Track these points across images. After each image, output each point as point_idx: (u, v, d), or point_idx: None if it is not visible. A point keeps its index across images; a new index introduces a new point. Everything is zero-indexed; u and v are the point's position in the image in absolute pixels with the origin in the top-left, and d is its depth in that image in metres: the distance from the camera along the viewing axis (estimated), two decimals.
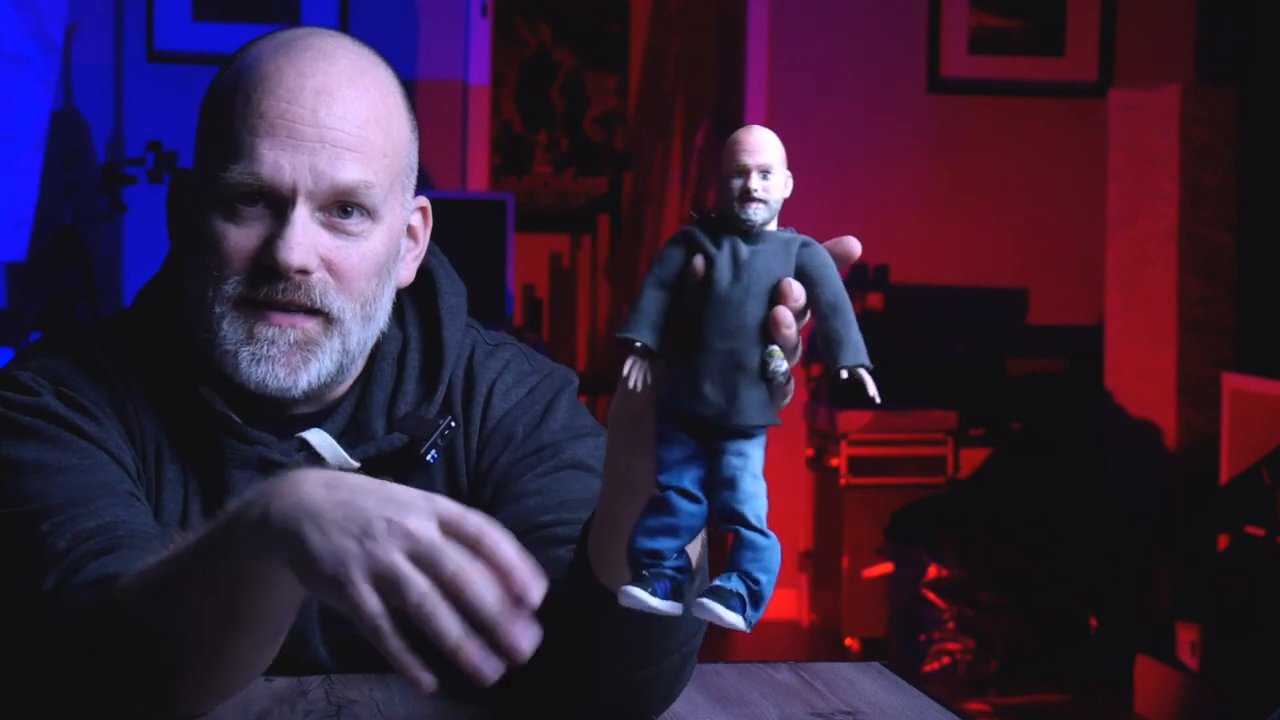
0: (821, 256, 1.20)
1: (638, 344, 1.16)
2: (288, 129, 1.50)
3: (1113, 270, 5.32)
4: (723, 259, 1.17)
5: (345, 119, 1.52)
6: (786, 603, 5.91)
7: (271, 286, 1.51)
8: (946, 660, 5.08)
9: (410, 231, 1.63)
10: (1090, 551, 5.18)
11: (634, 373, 1.16)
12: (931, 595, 5.12)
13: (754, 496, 1.16)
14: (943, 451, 5.51)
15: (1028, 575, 5.15)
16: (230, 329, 1.52)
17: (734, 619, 1.15)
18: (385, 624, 1.16)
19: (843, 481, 5.49)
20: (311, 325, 1.53)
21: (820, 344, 1.20)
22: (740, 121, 5.96)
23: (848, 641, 5.46)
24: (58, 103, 4.88)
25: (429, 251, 1.66)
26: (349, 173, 1.51)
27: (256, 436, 1.57)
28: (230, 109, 1.52)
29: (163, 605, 1.33)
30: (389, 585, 1.16)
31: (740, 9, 5.97)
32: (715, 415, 1.16)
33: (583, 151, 7.71)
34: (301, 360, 1.53)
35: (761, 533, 1.16)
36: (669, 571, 1.16)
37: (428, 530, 1.17)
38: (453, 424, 1.61)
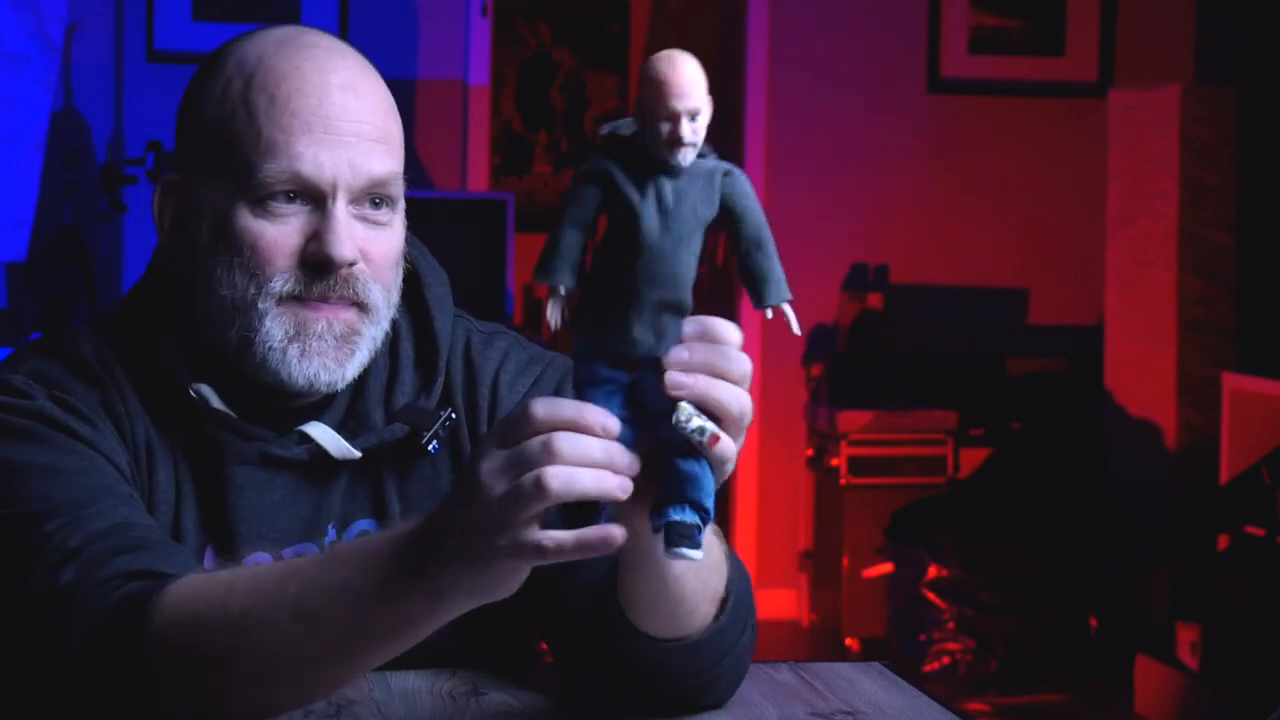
0: (743, 186, 1.17)
1: (557, 287, 1.17)
2: (323, 125, 1.52)
3: (1113, 270, 5.32)
4: (649, 207, 1.15)
5: (372, 112, 1.55)
6: (786, 603, 5.91)
7: (323, 282, 1.53)
8: (946, 660, 5.08)
9: None
10: (1090, 551, 5.18)
11: (553, 313, 1.17)
12: (931, 595, 5.12)
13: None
14: (943, 451, 5.51)
15: (1028, 575, 5.15)
16: (275, 325, 1.53)
17: (700, 555, 1.18)
18: (557, 538, 1.17)
19: (843, 481, 5.49)
20: (352, 315, 1.55)
21: (743, 279, 1.18)
22: (740, 121, 5.96)
23: (848, 641, 5.46)
24: (58, 103, 4.88)
25: (409, 242, 1.66)
26: (382, 165, 1.55)
27: (255, 432, 1.56)
28: (251, 107, 1.53)
29: (262, 641, 1.30)
30: (517, 501, 1.17)
31: (740, 9, 5.97)
32: (645, 351, 1.17)
33: (583, 151, 7.71)
34: (348, 353, 1.55)
35: (701, 459, 1.18)
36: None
37: (494, 460, 1.18)
38: (453, 415, 1.61)
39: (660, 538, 1.18)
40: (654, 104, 1.12)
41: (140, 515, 1.48)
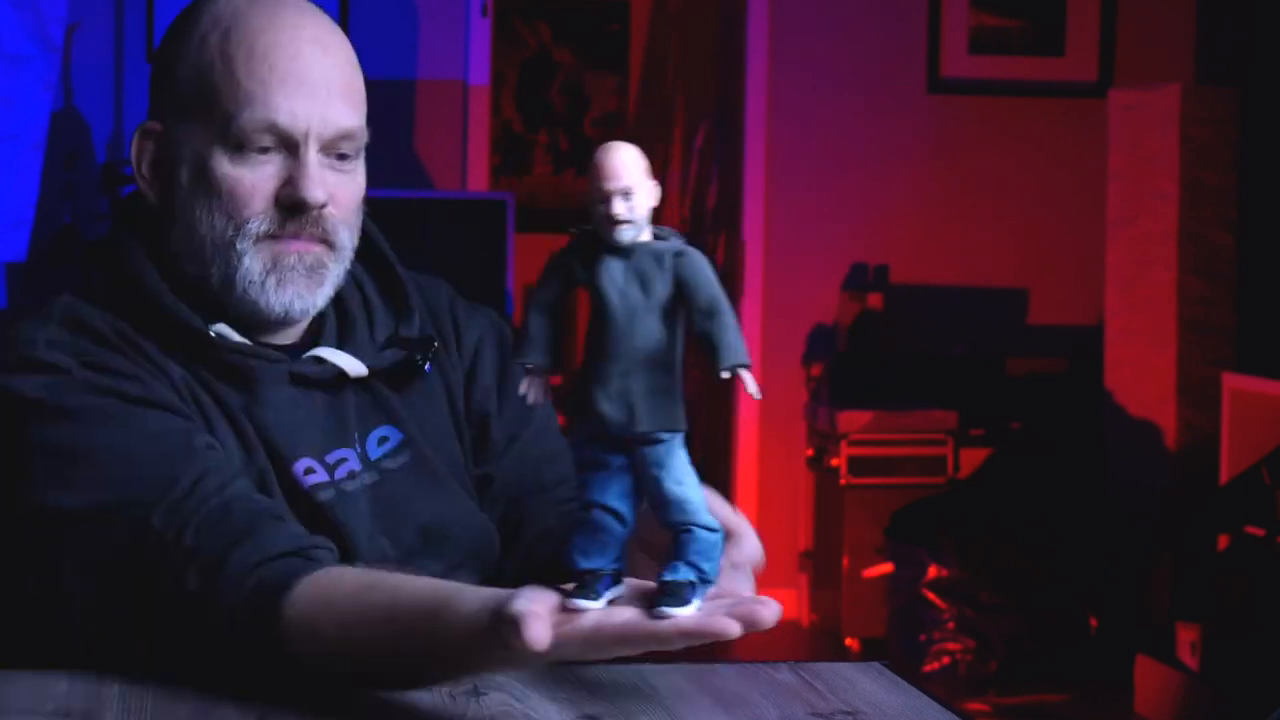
0: (695, 264, 1.24)
1: (528, 365, 1.25)
2: (297, 79, 1.65)
3: (1113, 270, 5.32)
4: (603, 285, 1.23)
5: (339, 68, 1.68)
6: (786, 603, 5.91)
7: (295, 222, 1.66)
8: (946, 660, 5.08)
9: None
10: (1090, 551, 5.18)
11: (531, 390, 1.27)
12: (931, 595, 5.12)
13: (682, 500, 1.24)
14: (943, 451, 5.52)
15: (1028, 575, 5.15)
16: (253, 262, 1.66)
17: (689, 611, 1.24)
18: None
19: (843, 481, 5.49)
20: (320, 249, 1.68)
21: (699, 348, 1.24)
22: (740, 121, 5.96)
23: (848, 641, 5.46)
24: (58, 103, 4.88)
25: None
26: (349, 118, 1.68)
27: (274, 355, 1.69)
28: (229, 60, 1.65)
29: (362, 662, 1.44)
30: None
31: (740, 9, 5.97)
32: (618, 429, 1.23)
33: (583, 152, 7.71)
34: (316, 282, 1.68)
35: (706, 528, 1.25)
36: (609, 570, 1.26)
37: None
38: (435, 342, 1.77)
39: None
40: (592, 188, 1.23)
41: (219, 466, 1.57)
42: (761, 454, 5.91)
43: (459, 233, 5.09)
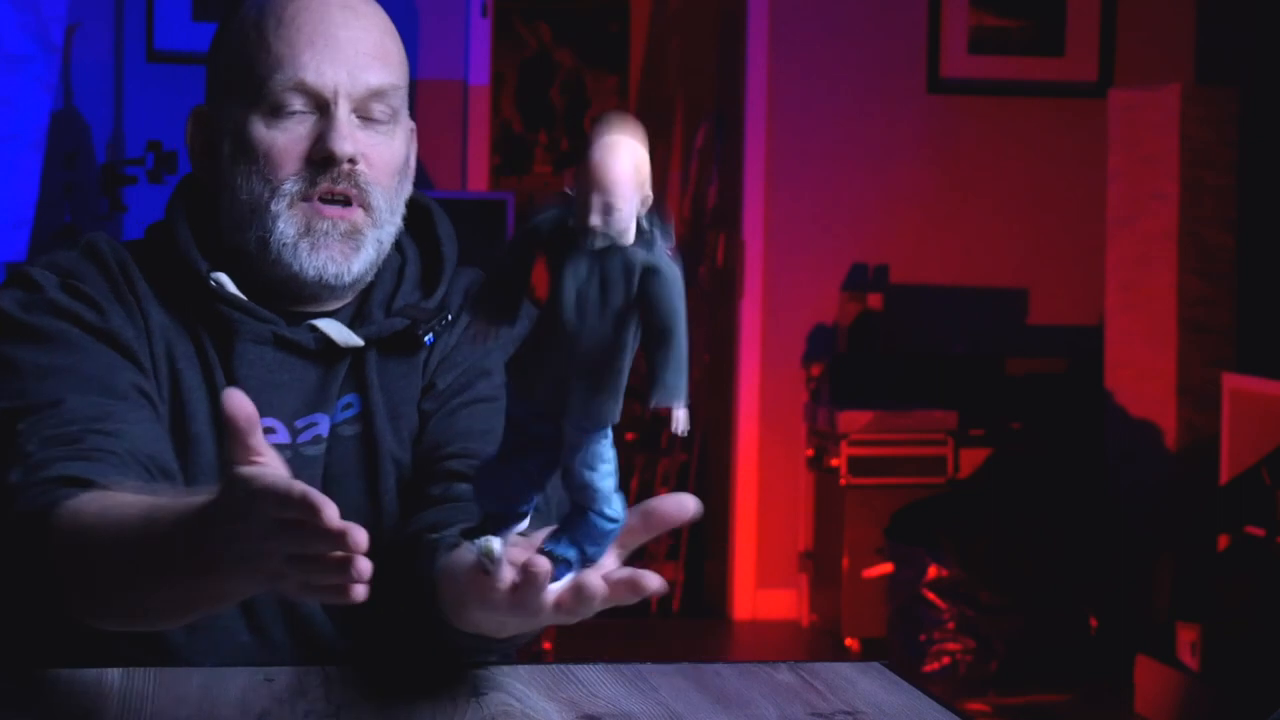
0: (662, 285, 1.20)
1: (476, 316, 1.25)
2: (324, 39, 1.69)
3: (1113, 270, 5.32)
4: (567, 283, 1.21)
5: (369, 30, 1.72)
6: (786, 603, 5.91)
7: (326, 175, 1.69)
8: (946, 660, 5.09)
9: None
10: (1090, 551, 5.18)
11: (475, 336, 1.25)
12: (931, 595, 5.12)
13: (586, 485, 1.21)
14: (943, 451, 5.52)
15: (1028, 575, 5.15)
16: (288, 225, 1.69)
17: (558, 587, 1.23)
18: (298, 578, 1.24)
19: (843, 481, 5.49)
20: (357, 216, 1.71)
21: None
22: (740, 121, 5.96)
23: (848, 641, 5.46)
24: (58, 103, 4.88)
25: (428, 201, 1.85)
26: (379, 76, 1.71)
27: (268, 315, 1.72)
28: (262, 30, 1.71)
29: (108, 569, 1.44)
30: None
31: (740, 9, 5.97)
32: (547, 408, 1.21)
33: (583, 151, 7.71)
34: (353, 248, 1.71)
35: (604, 517, 1.23)
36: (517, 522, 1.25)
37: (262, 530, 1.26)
38: (449, 317, 1.78)
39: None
40: (579, 180, 1.19)
41: (122, 412, 1.63)
42: (761, 454, 5.92)
43: (459, 233, 5.09)
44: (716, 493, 6.06)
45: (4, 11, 4.07)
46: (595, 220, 1.18)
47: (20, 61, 4.11)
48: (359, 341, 1.74)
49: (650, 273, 1.20)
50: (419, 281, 1.81)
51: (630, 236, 1.20)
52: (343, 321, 1.76)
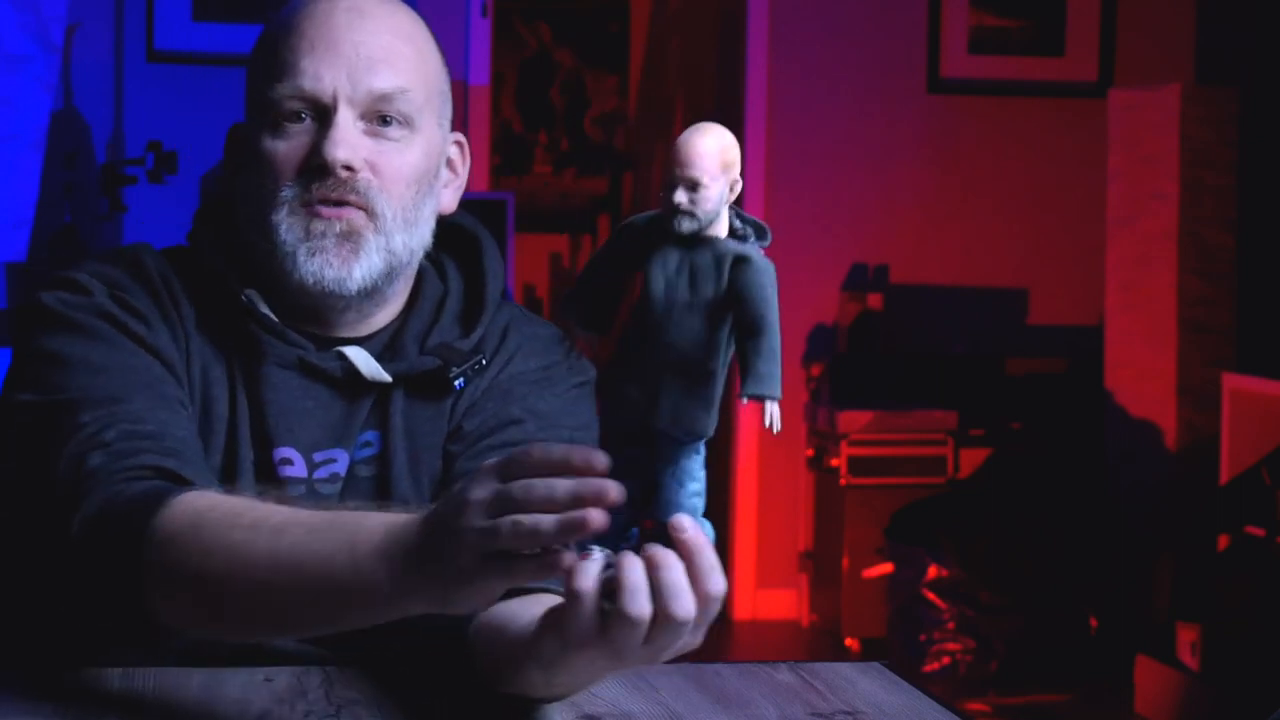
0: (755, 275, 1.19)
1: (569, 322, 1.23)
2: (325, 42, 1.64)
3: (1113, 270, 5.32)
4: (656, 274, 1.19)
5: (376, 33, 1.65)
6: (786, 603, 5.91)
7: (322, 183, 1.63)
8: (946, 660, 5.08)
9: (449, 164, 1.75)
10: (1090, 551, 5.18)
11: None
12: (931, 595, 5.12)
13: (670, 503, 1.20)
14: (943, 451, 5.51)
15: (1028, 575, 5.15)
16: (288, 232, 1.64)
17: None
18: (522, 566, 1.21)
19: (843, 481, 5.49)
20: (357, 217, 1.64)
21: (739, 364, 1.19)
22: (740, 122, 5.96)
23: (848, 641, 5.46)
24: (58, 103, 4.88)
25: (473, 223, 1.79)
26: (384, 80, 1.64)
27: (295, 339, 1.67)
28: (274, 41, 1.67)
29: (241, 593, 1.38)
30: (492, 537, 1.20)
31: (740, 9, 5.97)
32: (640, 420, 1.20)
33: (583, 151, 7.71)
34: (351, 251, 1.64)
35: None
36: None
37: (485, 490, 1.21)
38: (483, 361, 1.69)
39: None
40: (668, 170, 1.18)
41: (179, 422, 1.59)
42: (761, 454, 5.91)
43: None
44: (716, 493, 6.05)
45: (4, 11, 4.07)
46: (681, 197, 1.17)
47: (20, 61, 4.11)
48: (386, 377, 1.67)
49: (741, 262, 1.19)
50: (459, 316, 1.73)
51: (720, 225, 1.18)
52: (374, 351, 1.69)
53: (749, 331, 1.18)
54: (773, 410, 1.16)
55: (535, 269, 7.52)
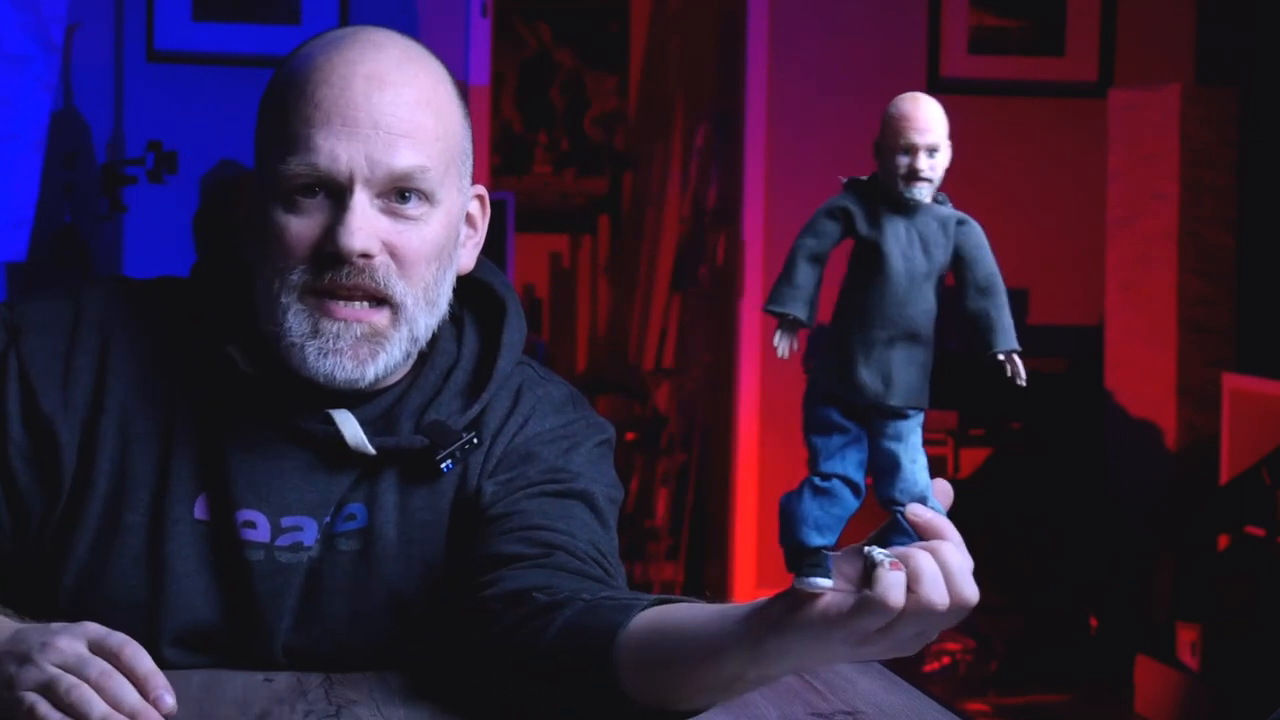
0: (975, 236, 1.19)
1: (790, 316, 1.19)
2: (341, 117, 1.52)
3: (1113, 270, 5.32)
4: (888, 243, 1.16)
5: (396, 104, 1.54)
6: None
7: (335, 272, 1.52)
8: (946, 660, 5.08)
9: (469, 219, 1.66)
10: (1090, 551, 5.18)
11: (782, 344, 1.21)
12: None
13: (912, 478, 1.21)
14: (943, 451, 5.51)
15: (1028, 575, 5.15)
16: (295, 322, 1.54)
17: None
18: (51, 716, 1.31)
19: None
20: (379, 318, 1.55)
21: (971, 325, 1.17)
22: (740, 121, 5.96)
23: None
24: (58, 103, 4.88)
25: (502, 284, 1.68)
26: (404, 159, 1.53)
27: (278, 397, 1.58)
28: (285, 103, 1.54)
29: None
30: (48, 691, 1.33)
31: (740, 9, 5.97)
32: (871, 398, 1.19)
33: (583, 151, 7.71)
34: (369, 353, 1.55)
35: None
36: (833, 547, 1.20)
37: (75, 646, 1.35)
38: (474, 440, 1.60)
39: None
40: (894, 139, 1.17)
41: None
42: (761, 454, 5.91)
43: None
44: (716, 493, 6.05)
45: (4, 11, 4.07)
46: (923, 164, 1.15)
47: (20, 61, 4.10)
48: (370, 450, 1.57)
49: (962, 224, 1.18)
50: (463, 389, 1.63)
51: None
52: (368, 418, 1.60)
53: (985, 291, 1.16)
54: (1020, 362, 1.16)
55: (535, 269, 7.52)
